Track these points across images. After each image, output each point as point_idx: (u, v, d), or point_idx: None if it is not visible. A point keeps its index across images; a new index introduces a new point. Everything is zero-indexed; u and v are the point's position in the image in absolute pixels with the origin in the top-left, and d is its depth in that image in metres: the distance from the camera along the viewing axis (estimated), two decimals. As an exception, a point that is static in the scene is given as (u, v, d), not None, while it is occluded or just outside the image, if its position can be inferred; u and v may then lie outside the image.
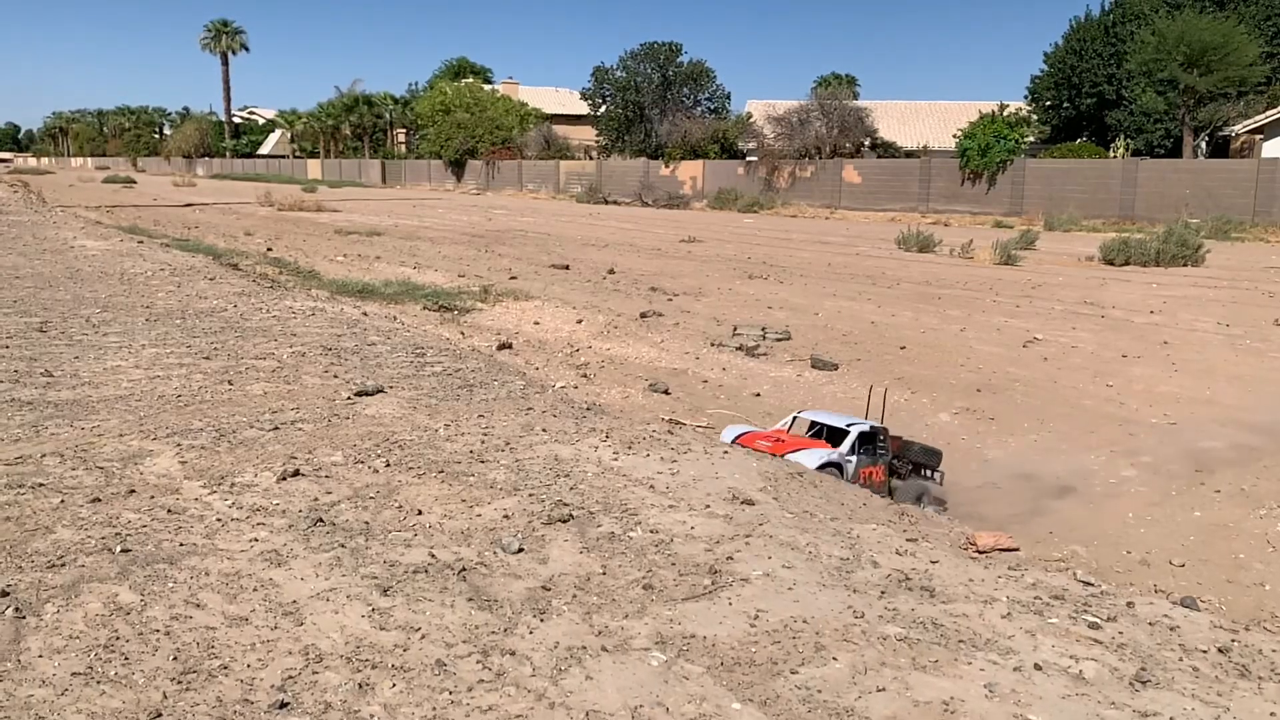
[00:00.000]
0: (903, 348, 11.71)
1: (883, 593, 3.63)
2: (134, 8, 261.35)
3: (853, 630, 3.29)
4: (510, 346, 11.03)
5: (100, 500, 4.37)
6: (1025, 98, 42.42)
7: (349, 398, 6.31)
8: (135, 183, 57.49)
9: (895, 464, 8.51)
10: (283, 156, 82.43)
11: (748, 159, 44.66)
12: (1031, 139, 39.29)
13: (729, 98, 53.56)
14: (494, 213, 35.56)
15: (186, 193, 46.29)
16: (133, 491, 4.50)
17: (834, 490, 5.46)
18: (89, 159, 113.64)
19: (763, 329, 12.53)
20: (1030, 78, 43.05)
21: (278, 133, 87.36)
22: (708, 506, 4.47)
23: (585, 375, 10.48)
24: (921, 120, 51.21)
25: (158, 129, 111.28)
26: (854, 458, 7.80)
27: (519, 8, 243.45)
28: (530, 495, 4.47)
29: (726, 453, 5.47)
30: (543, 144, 57.57)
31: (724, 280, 17.15)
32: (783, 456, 7.22)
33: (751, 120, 47.11)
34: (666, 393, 10.04)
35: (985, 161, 35.29)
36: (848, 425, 8.03)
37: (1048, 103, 41.54)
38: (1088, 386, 10.17)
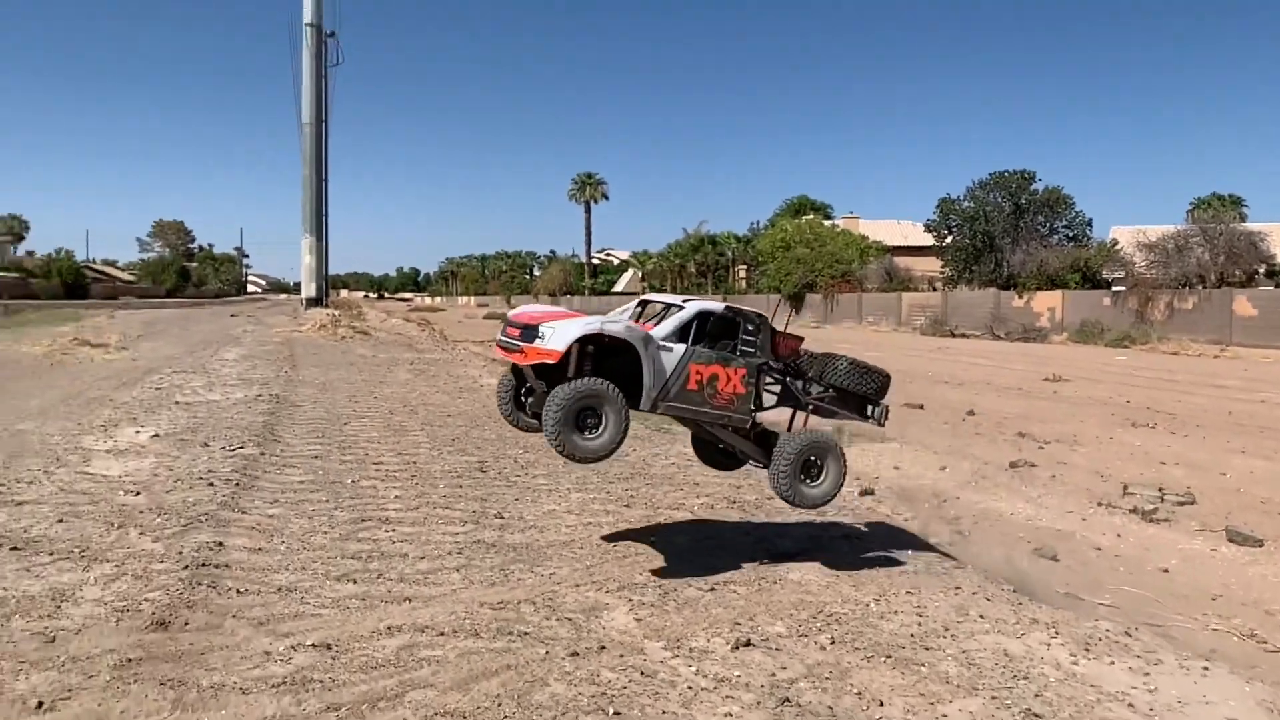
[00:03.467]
0: (1357, 523, 10.03)
1: None
2: (515, 168, 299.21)
3: None
4: (872, 493, 10.84)
5: (578, 655, 4.82)
6: None
7: (770, 560, 6.51)
8: (511, 318, 64.58)
9: (794, 384, 6.15)
10: (634, 294, 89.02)
11: (1114, 289, 41.54)
12: None
13: (1089, 224, 50.74)
14: (835, 346, 35.74)
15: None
16: (603, 648, 4.91)
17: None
18: (472, 297, 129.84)
19: (1159, 489, 11.30)
20: None
21: (630, 271, 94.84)
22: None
23: (960, 532, 10.00)
24: (1328, 243, 45.07)
25: (529, 270, 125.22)
26: (677, 346, 5.64)
27: (860, 146, 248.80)
28: (993, 698, 4.31)
29: (1206, 668, 4.93)
30: (884, 276, 57.47)
31: (1102, 427, 15.79)
32: (526, 329, 5.57)
33: (1117, 247, 44.09)
34: (1055, 559, 9.30)
35: None
36: (683, 301, 6.08)
37: None
38: None
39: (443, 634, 5.01)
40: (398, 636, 4.96)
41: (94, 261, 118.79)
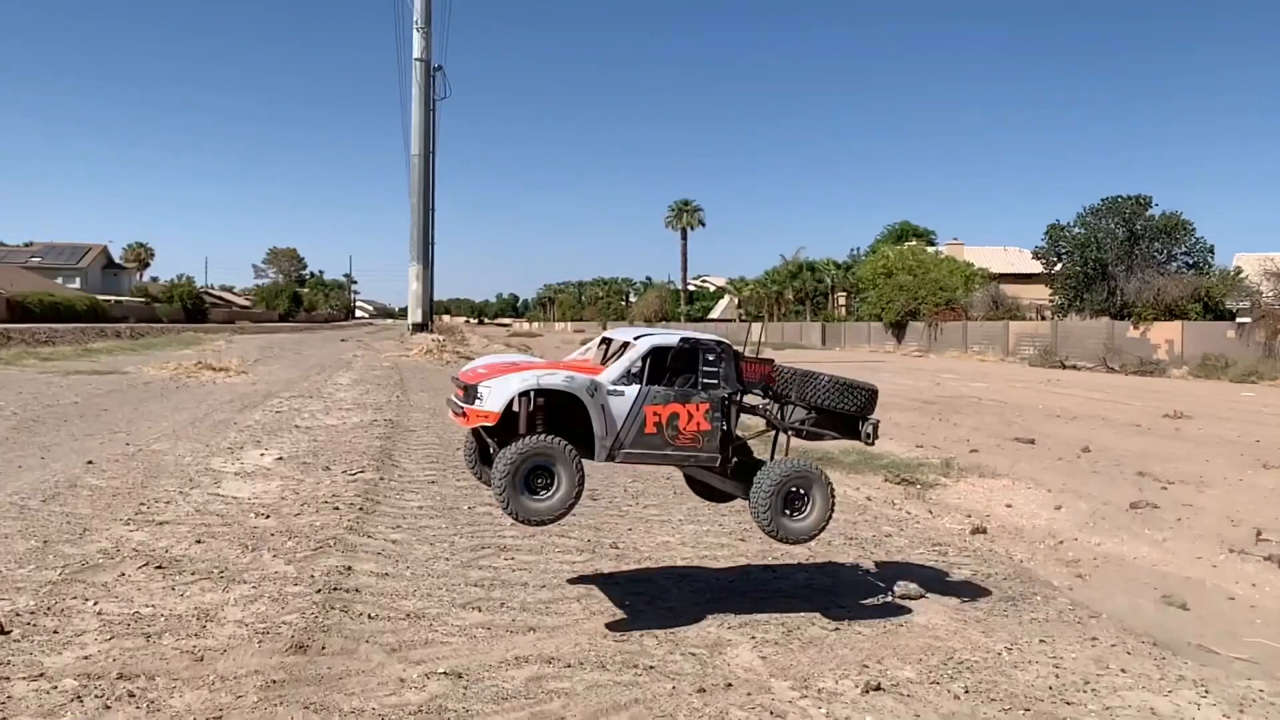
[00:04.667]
0: None
1: None
2: (613, 196, 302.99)
3: None
4: (984, 531, 10.47)
5: (705, 691, 4.78)
6: None
7: (892, 600, 6.37)
8: (608, 344, 65.20)
9: (770, 409, 5.85)
10: (730, 320, 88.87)
11: (1239, 320, 39.54)
12: None
13: (1211, 251, 48.35)
14: (941, 377, 34.87)
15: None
16: (730, 685, 4.87)
17: None
18: (569, 323, 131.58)
19: (1300, 536, 10.64)
20: None
21: (726, 298, 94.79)
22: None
23: (1080, 575, 9.58)
24: None
25: (625, 297, 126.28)
26: (630, 389, 5.29)
27: (965, 171, 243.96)
28: (1146, 756, 4.12)
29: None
30: (990, 304, 56.02)
31: (1230, 468, 14.95)
32: (468, 389, 5.28)
33: (1243, 276, 41.99)
34: (1184, 608, 8.81)
35: None
36: (635, 338, 5.61)
37: None
38: None
39: (569, 665, 5.05)
40: (525, 667, 5.01)
41: (212, 287, 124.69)
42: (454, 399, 5.54)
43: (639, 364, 5.34)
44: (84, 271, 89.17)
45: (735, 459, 5.70)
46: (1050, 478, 13.66)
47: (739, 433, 5.90)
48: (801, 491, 5.46)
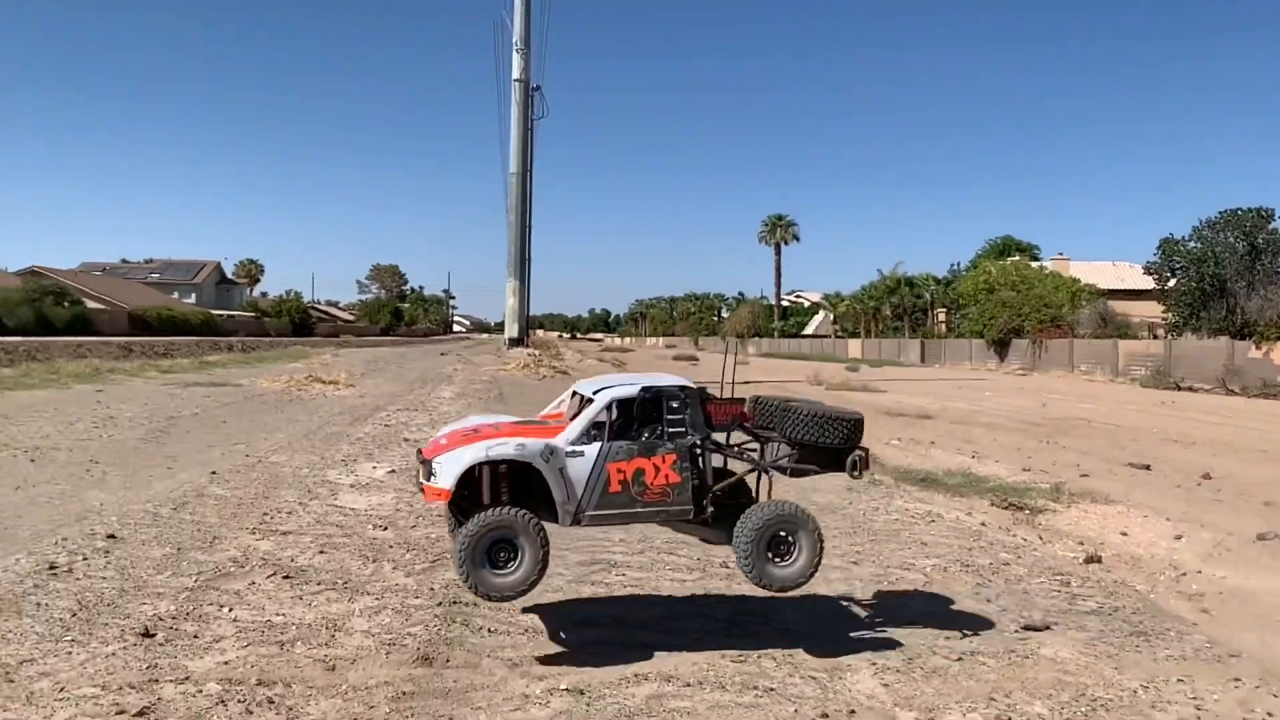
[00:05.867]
0: None
1: None
2: (706, 211, 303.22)
3: None
4: (1099, 560, 10.03)
5: (827, 716, 4.71)
6: None
7: (1017, 631, 6.18)
8: (698, 360, 65.12)
9: (740, 448, 5.64)
10: (825, 336, 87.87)
11: (1373, 340, 37.27)
12: None
13: (1342, 266, 45.74)
14: (1047, 397, 33.73)
15: (742, 371, 51.17)
16: (853, 712, 4.79)
17: None
18: (660, 338, 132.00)
19: None
20: None
21: (821, 314, 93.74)
22: None
23: (1204, 610, 9.10)
24: None
25: (716, 312, 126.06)
26: (590, 448, 5.09)
27: (1070, 183, 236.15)
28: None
29: None
30: (1097, 322, 54.04)
31: (1374, 500, 14.08)
32: (425, 464, 5.14)
33: (1376, 294, 39.53)
34: (1325, 647, 8.30)
35: None
36: (594, 392, 5.31)
37: None
38: None
39: (689, 685, 5.04)
40: (645, 685, 5.02)
41: (318, 302, 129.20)
42: (418, 472, 5.37)
43: (599, 420, 5.15)
44: (199, 287, 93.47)
45: (713, 509, 5.43)
46: (1169, 505, 13.05)
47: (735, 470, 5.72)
48: (786, 536, 5.25)
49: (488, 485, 5.11)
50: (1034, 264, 65.45)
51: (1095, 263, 68.68)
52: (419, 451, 5.48)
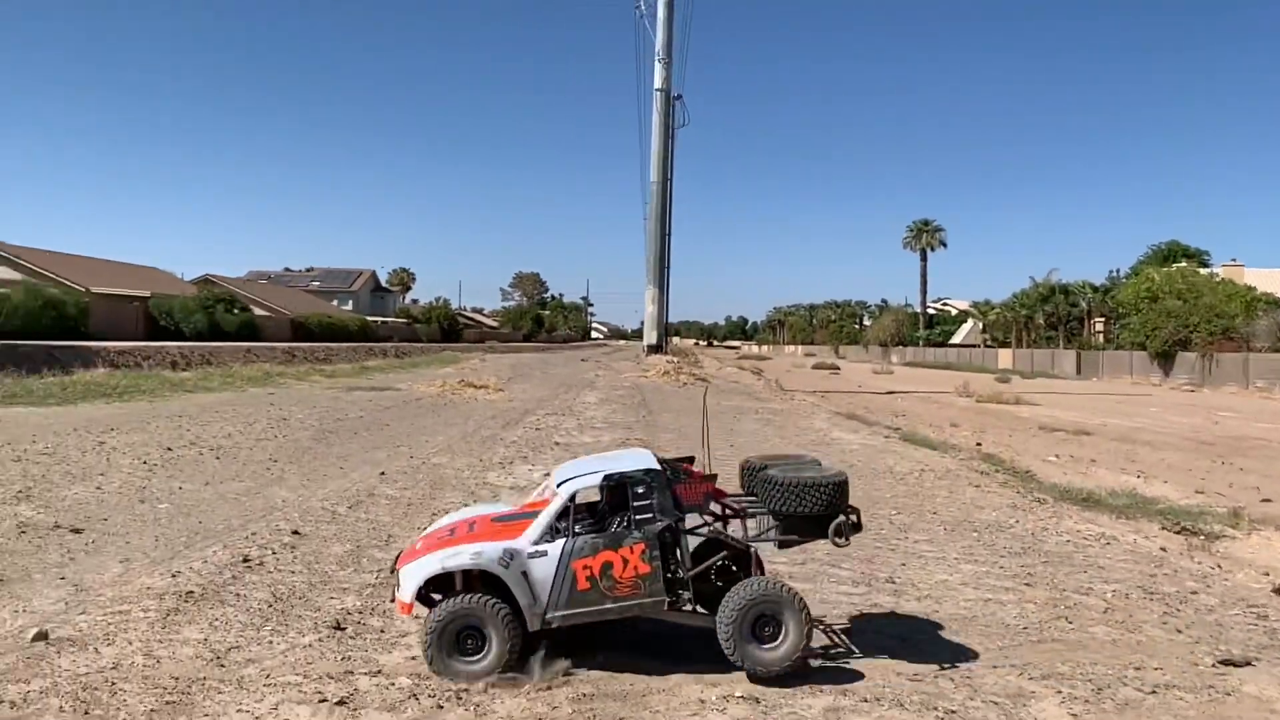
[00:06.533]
0: None
1: None
2: (847, 216, 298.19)
3: None
4: None
5: (1011, 745, 4.56)
6: None
7: (1214, 665, 5.80)
8: (839, 369, 64.03)
9: (715, 529, 5.32)
10: (973, 346, 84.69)
11: None
12: None
13: None
14: (1219, 415, 31.49)
15: (885, 380, 49.95)
16: (1042, 742, 4.62)
17: None
18: (799, 346, 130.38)
19: None
20: None
21: (970, 323, 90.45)
22: None
23: None
24: None
25: (858, 320, 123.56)
26: (553, 546, 4.90)
27: (1245, 185, 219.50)
28: None
29: None
30: (1276, 334, 50.15)
31: None
32: (395, 572, 5.25)
33: None
34: None
35: None
36: (560, 484, 5.12)
37: None
38: None
39: (865, 700, 4.97)
40: (821, 697, 4.98)
41: (465, 309, 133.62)
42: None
43: (560, 516, 4.99)
44: (355, 294, 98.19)
45: (690, 595, 5.21)
46: (1369, 535, 11.98)
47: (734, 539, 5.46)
48: (772, 616, 4.96)
49: (460, 580, 5.06)
50: (1203, 271, 61.30)
51: (1273, 270, 63.75)
52: (395, 559, 5.58)
